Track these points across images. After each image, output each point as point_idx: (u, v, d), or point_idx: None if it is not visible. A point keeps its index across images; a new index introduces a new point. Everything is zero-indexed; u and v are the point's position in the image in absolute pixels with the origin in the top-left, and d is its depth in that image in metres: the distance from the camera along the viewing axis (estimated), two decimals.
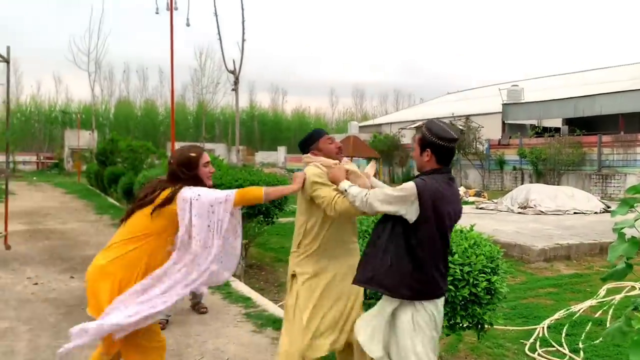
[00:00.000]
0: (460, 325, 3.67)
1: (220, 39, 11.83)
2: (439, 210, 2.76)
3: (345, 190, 3.05)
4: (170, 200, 3.09)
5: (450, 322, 3.63)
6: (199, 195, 3.08)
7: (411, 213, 2.73)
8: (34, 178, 33.98)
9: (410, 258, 2.74)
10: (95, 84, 32.89)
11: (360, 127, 45.65)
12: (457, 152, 28.98)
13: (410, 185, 2.76)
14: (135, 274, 3.06)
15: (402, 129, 37.26)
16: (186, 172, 3.18)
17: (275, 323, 5.12)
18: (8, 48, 8.80)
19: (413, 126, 36.91)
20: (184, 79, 63.88)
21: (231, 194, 3.14)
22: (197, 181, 3.22)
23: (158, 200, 3.11)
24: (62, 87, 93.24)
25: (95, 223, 12.77)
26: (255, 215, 7.51)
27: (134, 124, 56.05)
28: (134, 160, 15.75)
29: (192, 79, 45.46)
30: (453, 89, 55.30)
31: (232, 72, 11.41)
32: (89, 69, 31.38)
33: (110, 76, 58.55)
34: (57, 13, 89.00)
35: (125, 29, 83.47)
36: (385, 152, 33.56)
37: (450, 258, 3.52)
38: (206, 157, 3.31)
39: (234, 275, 6.34)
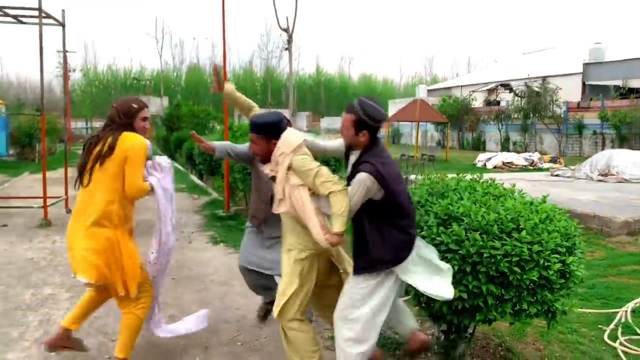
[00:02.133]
0: (528, 312, 3.14)
1: None
2: (394, 179, 2.95)
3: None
4: (112, 148, 3.21)
5: (516, 309, 3.13)
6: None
7: (378, 195, 2.90)
8: None
9: (392, 226, 2.95)
10: (165, 52, 33.43)
11: (428, 90, 44.11)
12: (532, 115, 27.59)
13: (367, 178, 2.85)
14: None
15: (473, 91, 35.55)
16: (122, 118, 3.31)
17: None
18: (63, 12, 8.76)
19: (485, 88, 35.10)
20: (253, 44, 64.06)
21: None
22: (131, 130, 3.33)
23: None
24: (137, 56, 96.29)
25: None
26: None
27: (203, 90, 57.01)
28: (195, 125, 15.77)
29: (259, 45, 45.40)
30: (529, 49, 52.03)
31: (285, 30, 10.91)
32: (157, 36, 31.79)
33: (181, 44, 59.68)
34: None
35: None
36: (454, 116, 32.20)
37: (516, 235, 3.01)
38: (146, 113, 3.40)
39: None
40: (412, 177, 9.34)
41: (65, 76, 18.02)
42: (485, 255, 3.01)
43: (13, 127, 19.30)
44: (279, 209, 3.12)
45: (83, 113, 48.20)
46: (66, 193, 9.45)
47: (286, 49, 11.07)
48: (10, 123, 19.13)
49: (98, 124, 48.01)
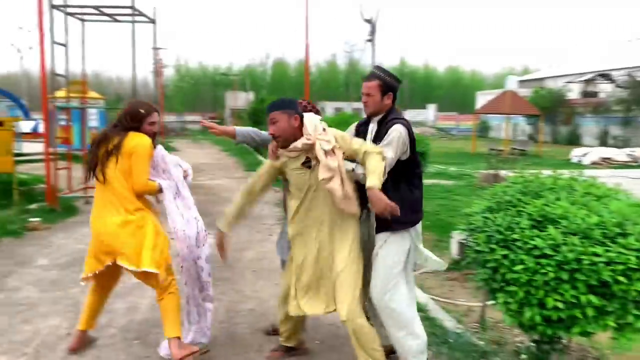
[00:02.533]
0: (634, 327, 2.81)
1: None
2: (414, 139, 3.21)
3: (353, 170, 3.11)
4: (118, 147, 3.33)
5: (619, 322, 2.80)
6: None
7: (405, 154, 3.12)
8: (199, 137, 36.73)
9: (411, 185, 3.20)
10: (252, 48, 34.21)
11: (520, 82, 42.11)
12: (635, 107, 25.50)
13: (404, 133, 3.07)
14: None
15: (568, 82, 33.49)
16: (129, 122, 3.40)
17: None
18: (154, 9, 9.11)
19: (582, 79, 32.97)
20: (337, 38, 64.12)
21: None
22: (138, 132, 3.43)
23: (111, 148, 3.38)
24: (226, 52, 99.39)
25: (241, 180, 13.19)
26: None
27: (288, 84, 57.97)
28: None
29: (343, 38, 45.37)
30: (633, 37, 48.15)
31: (369, 21, 10.71)
32: (245, 31, 32.59)
33: (267, 40, 60.94)
34: None
35: None
36: (547, 108, 30.49)
37: (622, 240, 2.70)
38: (154, 117, 3.47)
39: None
40: (503, 172, 8.76)
41: (158, 72, 18.85)
42: (585, 262, 2.72)
43: (111, 121, 20.53)
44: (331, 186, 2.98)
45: (175, 107, 50.54)
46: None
47: (369, 40, 10.87)
48: (108, 117, 20.35)
49: (189, 117, 50.24)
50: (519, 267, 2.89)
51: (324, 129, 3.08)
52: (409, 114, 47.75)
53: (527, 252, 2.90)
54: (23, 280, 5.13)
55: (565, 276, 2.77)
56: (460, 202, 10.05)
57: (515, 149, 22.46)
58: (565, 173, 3.60)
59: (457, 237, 5.94)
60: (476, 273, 3.32)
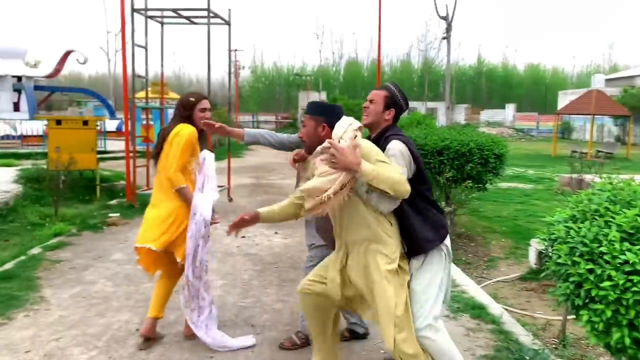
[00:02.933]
0: None
1: None
2: (418, 156, 2.96)
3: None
4: (165, 136, 3.61)
5: None
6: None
7: (411, 171, 2.88)
8: None
9: (427, 203, 2.96)
10: (325, 48, 34.49)
11: (606, 80, 39.64)
12: None
13: (403, 148, 2.84)
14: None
15: None
16: (182, 111, 3.64)
17: (475, 309, 4.36)
18: (229, 11, 9.27)
19: None
20: (410, 37, 63.28)
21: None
22: (191, 121, 3.62)
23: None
24: (299, 52, 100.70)
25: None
26: (463, 180, 6.67)
27: (360, 84, 57.78)
28: None
29: (417, 36, 44.68)
30: None
31: (444, 19, 10.36)
32: (317, 32, 32.84)
33: (340, 40, 61.14)
34: None
35: None
36: (638, 109, 28.47)
37: None
38: (204, 104, 3.67)
39: None
40: (588, 177, 8.00)
41: (235, 73, 19.26)
42: None
43: None
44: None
45: (250, 108, 51.69)
46: (229, 183, 10.04)
47: (444, 38, 10.54)
48: None
49: (263, 117, 51.28)
50: (606, 284, 2.62)
51: (355, 137, 2.66)
52: (487, 114, 46.23)
53: (616, 268, 2.63)
54: (99, 274, 5.33)
55: None
56: (539, 207, 9.54)
57: (600, 151, 21.12)
58: None
59: (535, 245, 5.60)
60: (557, 286, 3.06)
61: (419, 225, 2.85)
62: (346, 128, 2.71)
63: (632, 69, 46.06)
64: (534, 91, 55.73)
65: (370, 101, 3.01)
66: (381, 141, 2.91)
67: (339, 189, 2.60)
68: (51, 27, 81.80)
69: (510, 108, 45.51)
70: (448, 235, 2.99)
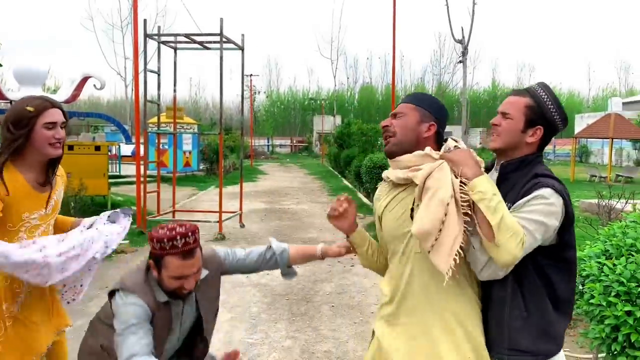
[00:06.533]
0: None
1: (447, 3, 10.64)
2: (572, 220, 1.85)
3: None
4: None
5: None
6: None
7: (549, 238, 1.80)
8: (287, 160, 37.33)
9: (551, 297, 1.83)
10: (340, 72, 34.64)
11: (624, 103, 39.11)
12: None
13: (556, 206, 1.77)
14: None
15: None
16: (13, 131, 2.13)
17: None
18: (242, 36, 9.22)
19: None
20: (424, 61, 63.51)
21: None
22: (30, 146, 2.17)
23: None
24: (314, 77, 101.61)
25: (325, 205, 13.01)
26: None
27: (375, 109, 57.84)
28: (364, 143, 15.75)
29: (431, 60, 44.78)
30: None
31: (460, 42, 10.23)
32: (332, 57, 33.04)
33: (355, 64, 61.57)
34: (301, 3, 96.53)
35: (367, 16, 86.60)
36: None
37: None
38: (51, 116, 2.18)
39: None
40: (618, 205, 6.94)
41: (250, 97, 19.27)
42: None
43: (205, 144, 21.26)
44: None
45: (266, 132, 51.89)
46: (240, 208, 9.88)
47: (460, 61, 10.41)
48: (200, 141, 21.09)
49: (278, 141, 51.41)
50: None
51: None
52: None
53: None
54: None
55: None
56: None
57: (620, 175, 20.68)
58: None
59: None
60: (590, 328, 2.81)
61: (516, 321, 1.81)
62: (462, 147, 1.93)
63: None
64: None
65: (503, 114, 1.92)
66: (519, 180, 1.85)
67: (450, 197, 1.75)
68: (70, 52, 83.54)
69: None
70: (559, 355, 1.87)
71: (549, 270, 1.81)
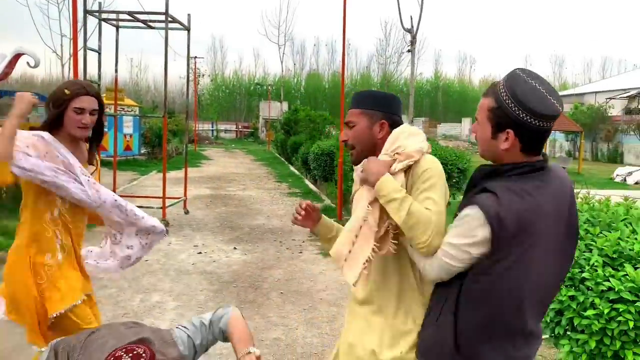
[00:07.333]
0: None
1: None
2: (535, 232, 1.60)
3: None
4: None
5: None
6: None
7: (474, 257, 1.63)
8: (232, 146, 36.80)
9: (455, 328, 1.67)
10: (287, 58, 34.36)
11: None
12: None
13: (478, 216, 1.59)
14: None
15: (610, 98, 32.38)
16: (52, 109, 2.41)
17: None
18: (189, 16, 8.94)
19: (625, 95, 31.83)
20: (370, 49, 63.97)
21: None
22: (63, 124, 2.41)
23: None
24: (260, 62, 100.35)
25: (272, 191, 12.93)
26: None
27: (321, 96, 57.89)
28: (312, 130, 15.73)
29: (377, 49, 45.17)
30: None
31: (409, 31, 10.33)
32: (279, 42, 32.72)
33: (302, 50, 61.35)
34: None
35: (315, 3, 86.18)
36: (587, 125, 29.46)
37: None
38: (83, 101, 2.38)
39: None
40: None
41: (194, 80, 18.82)
42: None
43: (146, 128, 20.59)
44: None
45: (210, 116, 50.89)
46: (185, 194, 9.65)
47: (409, 50, 10.52)
48: (142, 124, 20.42)
49: (223, 126, 50.55)
50: (590, 312, 2.47)
51: (418, 151, 1.86)
52: (443, 128, 46.98)
53: (599, 295, 2.49)
54: None
55: None
56: None
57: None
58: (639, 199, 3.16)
59: None
60: None
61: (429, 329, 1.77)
62: (398, 143, 1.90)
63: (581, 87, 47.85)
64: None
65: (476, 119, 1.75)
66: (470, 189, 1.74)
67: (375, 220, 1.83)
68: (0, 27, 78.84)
69: (466, 122, 46.43)
70: None
71: (464, 295, 1.64)
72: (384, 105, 2.00)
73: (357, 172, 2.05)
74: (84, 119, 2.40)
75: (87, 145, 2.61)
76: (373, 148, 1.97)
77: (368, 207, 1.83)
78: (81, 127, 2.41)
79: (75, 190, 2.40)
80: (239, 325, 2.10)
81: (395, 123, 1.99)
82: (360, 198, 1.88)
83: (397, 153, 1.87)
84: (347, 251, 1.87)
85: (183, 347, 1.99)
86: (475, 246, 1.59)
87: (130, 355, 1.77)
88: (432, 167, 1.83)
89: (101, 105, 2.49)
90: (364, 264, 1.83)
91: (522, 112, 1.59)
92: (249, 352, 1.97)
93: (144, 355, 1.78)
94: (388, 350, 1.87)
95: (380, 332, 1.91)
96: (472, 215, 1.60)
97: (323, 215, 2.24)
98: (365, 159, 1.93)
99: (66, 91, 2.39)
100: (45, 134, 2.38)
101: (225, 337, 2.09)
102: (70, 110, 2.38)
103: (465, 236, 1.60)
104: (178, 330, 2.07)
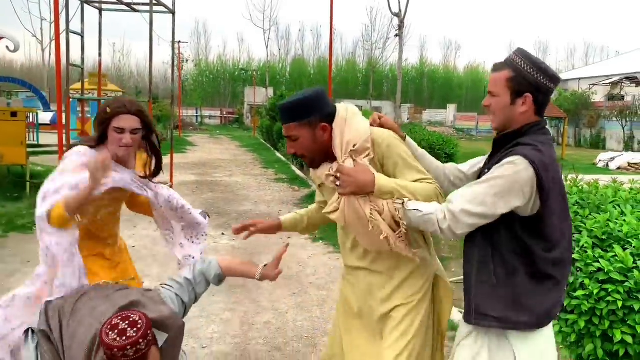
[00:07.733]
0: None
1: None
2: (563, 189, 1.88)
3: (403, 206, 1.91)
4: None
5: None
6: None
7: (529, 205, 1.78)
8: (217, 132, 36.58)
9: (527, 268, 1.82)
10: (272, 43, 34.09)
11: None
12: None
13: (521, 175, 1.75)
14: None
15: (593, 85, 32.69)
16: (97, 127, 2.37)
17: None
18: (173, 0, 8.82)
19: (608, 82, 32.14)
20: (355, 35, 63.67)
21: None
22: (107, 141, 2.34)
23: None
24: (245, 47, 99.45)
25: (258, 177, 12.90)
26: None
27: (307, 82, 57.61)
28: None
29: (363, 35, 45.00)
30: None
31: (397, 15, 10.31)
32: (264, 26, 32.45)
33: (287, 35, 60.83)
34: None
35: None
36: (571, 111, 29.76)
37: None
38: (120, 121, 2.28)
39: None
40: None
41: (177, 64, 18.63)
42: None
43: None
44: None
45: (194, 102, 50.44)
46: (171, 180, 9.58)
47: (397, 35, 10.49)
48: None
49: (207, 112, 50.15)
50: (580, 293, 2.51)
51: (367, 154, 1.98)
52: (429, 114, 47.09)
53: (589, 276, 2.52)
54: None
55: (636, 306, 2.38)
56: None
57: None
58: (626, 183, 3.21)
59: None
60: None
61: (484, 287, 1.86)
62: (347, 140, 1.98)
63: (564, 73, 48.18)
64: (473, 92, 57.42)
65: (490, 94, 1.92)
66: (502, 150, 1.89)
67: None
68: None
69: (451, 108, 46.62)
70: (547, 331, 1.90)
71: (527, 240, 1.79)
72: (315, 107, 2.01)
73: (321, 174, 2.08)
74: (124, 138, 2.30)
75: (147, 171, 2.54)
76: (324, 150, 2.04)
77: (372, 216, 1.91)
78: (122, 146, 2.31)
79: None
80: (229, 259, 2.39)
81: (331, 115, 2.03)
82: (356, 213, 1.94)
83: (352, 151, 1.96)
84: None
85: (173, 305, 2.09)
86: (517, 195, 1.74)
87: (127, 322, 1.79)
88: (386, 137, 2.01)
89: (146, 124, 2.38)
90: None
91: (543, 77, 1.85)
92: (265, 265, 2.30)
93: (139, 322, 1.80)
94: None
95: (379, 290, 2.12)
96: (518, 163, 1.75)
97: (282, 218, 2.42)
98: (329, 165, 2.02)
99: (107, 109, 2.31)
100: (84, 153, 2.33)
101: (220, 280, 2.32)
102: (111, 129, 2.30)
103: (505, 188, 1.74)
104: (165, 289, 2.14)
